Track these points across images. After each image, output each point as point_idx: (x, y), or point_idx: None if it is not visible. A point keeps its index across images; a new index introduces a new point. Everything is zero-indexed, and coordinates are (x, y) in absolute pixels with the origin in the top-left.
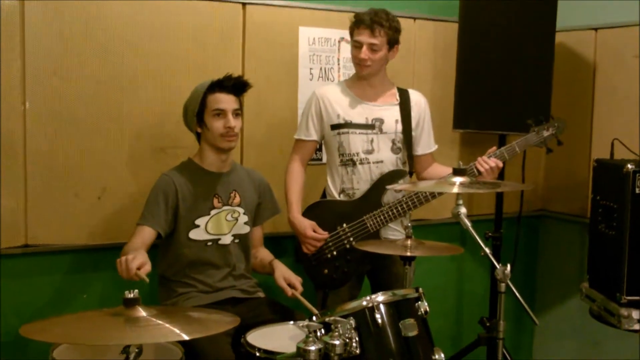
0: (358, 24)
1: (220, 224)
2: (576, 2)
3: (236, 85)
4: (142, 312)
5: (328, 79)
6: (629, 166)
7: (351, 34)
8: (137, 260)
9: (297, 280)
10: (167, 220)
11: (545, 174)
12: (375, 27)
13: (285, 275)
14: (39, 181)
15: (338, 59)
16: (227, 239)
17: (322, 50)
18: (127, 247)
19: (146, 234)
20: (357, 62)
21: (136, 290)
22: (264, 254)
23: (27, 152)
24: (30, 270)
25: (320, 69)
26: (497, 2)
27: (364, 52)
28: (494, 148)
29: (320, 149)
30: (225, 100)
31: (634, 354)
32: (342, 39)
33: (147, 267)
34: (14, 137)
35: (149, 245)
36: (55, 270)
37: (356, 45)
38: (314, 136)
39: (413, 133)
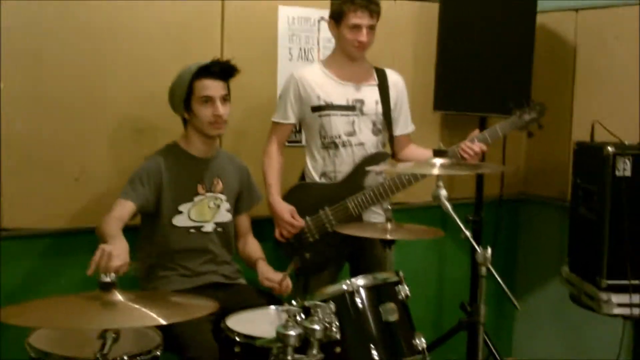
0: (354, 6)
1: (203, 211)
2: None
3: (223, 71)
4: (119, 297)
5: (307, 59)
6: (609, 149)
7: (342, 17)
8: (118, 261)
9: (279, 278)
10: (149, 199)
11: (526, 157)
12: (372, 7)
13: (267, 276)
14: (15, 163)
15: (318, 39)
16: (209, 227)
17: (301, 30)
18: (105, 225)
19: (126, 208)
20: (357, 45)
21: (113, 274)
22: (252, 249)
23: (2, 134)
24: (6, 254)
25: (300, 48)
26: None
27: (365, 35)
28: (477, 131)
29: (299, 131)
30: (212, 87)
31: (614, 338)
32: (322, 18)
33: (124, 270)
34: None
35: (127, 220)
36: (32, 255)
37: (354, 29)
38: (292, 119)
39: (392, 114)
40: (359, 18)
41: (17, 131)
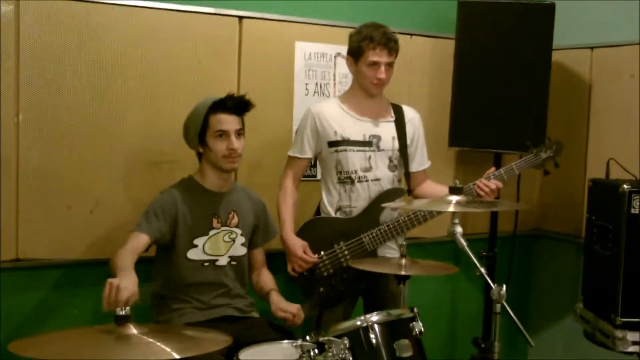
0: (372, 43)
1: (217, 245)
2: (573, 21)
3: (238, 105)
4: (133, 330)
5: (324, 95)
6: (625, 186)
7: (361, 54)
8: (126, 293)
9: (293, 309)
10: (163, 232)
11: (541, 193)
12: (391, 45)
13: (280, 306)
14: (31, 194)
15: (334, 75)
16: (223, 260)
17: (318, 66)
18: (118, 258)
19: (139, 241)
20: (375, 82)
21: (128, 308)
22: (265, 281)
23: (20, 165)
24: (21, 284)
25: (316, 84)
26: (494, 20)
27: (383, 72)
28: (493, 169)
29: (314, 165)
30: (227, 121)
31: None
32: (338, 54)
33: (133, 301)
34: (7, 150)
35: (140, 253)
36: (46, 285)
37: (372, 65)
38: (309, 154)
39: (408, 150)
40: (378, 56)
41: (33, 163)
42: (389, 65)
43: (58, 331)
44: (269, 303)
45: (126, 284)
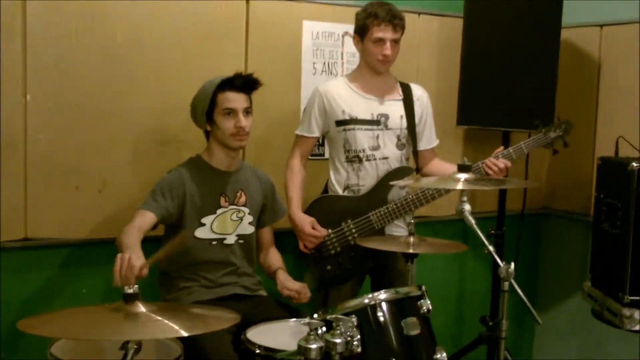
0: (377, 20)
1: (225, 224)
2: None
3: (246, 83)
4: (141, 308)
5: (331, 74)
6: (634, 164)
7: (366, 31)
8: (136, 270)
9: (298, 286)
10: (170, 211)
11: (549, 172)
12: (396, 21)
13: (286, 285)
14: (40, 174)
15: (342, 53)
16: (231, 239)
17: (325, 45)
18: (124, 235)
19: (146, 218)
20: (381, 59)
21: (136, 286)
22: (272, 260)
23: (28, 145)
24: (30, 264)
25: (324, 63)
26: None
27: (389, 48)
28: (501, 148)
29: (322, 144)
30: (235, 99)
31: (635, 354)
32: (346, 33)
33: (145, 272)
34: (15, 130)
35: (146, 230)
36: (55, 265)
37: (378, 42)
38: (316, 133)
39: (416, 128)
40: (383, 32)
41: (42, 143)
42: (395, 41)
43: (67, 309)
44: (276, 282)
45: (136, 258)
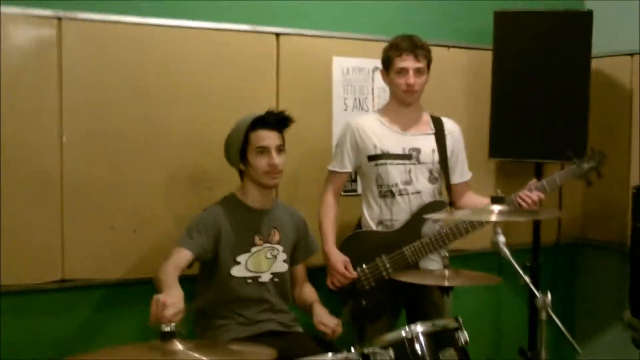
0: (398, 50)
1: (260, 262)
2: (612, 28)
3: (278, 121)
4: (179, 346)
5: (362, 109)
6: None
7: (390, 63)
8: (173, 309)
9: (333, 323)
10: (206, 249)
11: (584, 201)
12: (418, 51)
13: (322, 320)
14: (75, 215)
15: (372, 89)
16: (266, 277)
17: (356, 80)
18: (162, 274)
19: (182, 256)
20: (405, 89)
21: (173, 324)
22: (307, 294)
23: (64, 185)
24: (67, 305)
25: (355, 99)
26: (532, 29)
27: (412, 77)
28: (534, 180)
29: (354, 180)
30: (268, 137)
31: None
32: (376, 68)
33: (179, 318)
34: (51, 170)
35: (183, 268)
36: (91, 305)
37: (401, 72)
38: (349, 168)
39: (448, 162)
40: (404, 61)
41: (77, 183)
42: (418, 71)
43: (105, 349)
44: (311, 316)
45: (173, 300)
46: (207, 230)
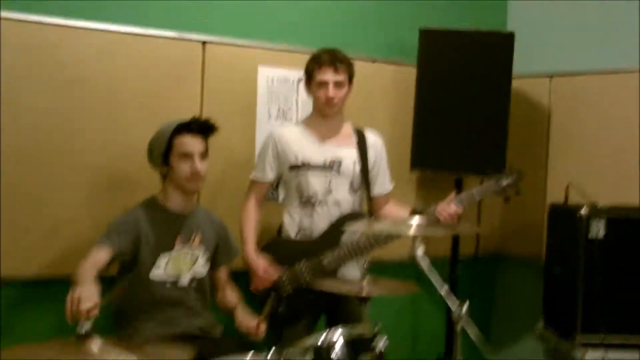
0: (319, 63)
1: (179, 265)
2: (532, 50)
3: (203, 128)
4: (95, 345)
5: (286, 119)
6: (582, 211)
7: (311, 75)
8: (88, 303)
9: (256, 324)
10: (125, 249)
11: (502, 217)
12: (338, 64)
13: (245, 322)
14: None
15: (296, 100)
16: (185, 280)
17: (280, 91)
18: (78, 271)
19: (101, 254)
20: (324, 101)
21: (89, 324)
22: (229, 297)
23: None
24: None
25: (279, 109)
26: (455, 47)
27: (332, 91)
28: (453, 194)
29: (276, 188)
30: (191, 143)
31: None
32: (301, 79)
33: (95, 313)
34: None
35: (101, 267)
36: (7, 302)
37: (321, 85)
38: (270, 177)
39: (369, 174)
40: (324, 74)
41: None
42: (338, 84)
43: (20, 346)
44: (234, 318)
45: (87, 294)
46: (127, 231)
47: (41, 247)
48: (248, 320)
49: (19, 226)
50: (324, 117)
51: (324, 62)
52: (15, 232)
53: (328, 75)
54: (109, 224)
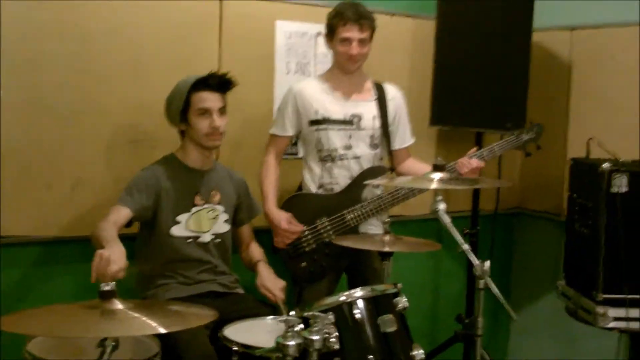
0: (343, 19)
1: (200, 222)
2: (553, 2)
3: (221, 83)
4: (118, 305)
5: (304, 74)
6: (605, 166)
7: (334, 31)
8: (116, 266)
9: (277, 289)
10: (146, 207)
11: (522, 172)
12: (363, 21)
13: (265, 284)
14: (13, 172)
15: (314, 54)
16: (206, 237)
17: (299, 45)
18: (101, 230)
19: (121, 213)
20: (347, 58)
21: (113, 283)
22: (253, 253)
23: (1, 142)
24: (4, 262)
25: (297, 63)
26: (475, 0)
27: (355, 48)
28: (475, 149)
29: (295, 144)
30: (210, 99)
31: (609, 352)
32: (319, 33)
33: (122, 275)
34: None
35: (121, 225)
36: (28, 262)
37: (345, 42)
38: (290, 132)
39: (390, 128)
40: (349, 31)
41: (15, 139)
42: (362, 41)
43: (43, 307)
44: (256, 275)
45: (116, 256)
46: (147, 188)
47: (62, 206)
48: (270, 283)
49: (39, 185)
50: (345, 73)
51: (348, 18)
52: (36, 192)
53: (353, 33)
54: (128, 183)
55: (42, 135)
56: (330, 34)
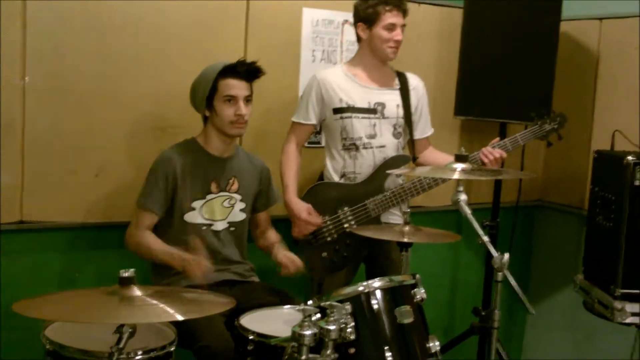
0: (388, 6)
1: (213, 210)
2: None
3: (249, 72)
4: (137, 292)
5: (330, 61)
6: (629, 158)
7: (375, 17)
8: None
9: (297, 259)
10: (166, 200)
11: (545, 164)
12: (404, 7)
13: (286, 254)
14: (36, 157)
15: (341, 42)
16: (220, 226)
17: (325, 33)
18: (151, 243)
19: (151, 220)
20: (393, 45)
21: (132, 269)
22: (270, 238)
23: (26, 128)
24: (25, 247)
25: (323, 51)
26: None
27: (400, 34)
28: (497, 139)
29: (319, 132)
30: (237, 87)
31: (626, 347)
32: (346, 21)
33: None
34: (13, 113)
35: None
36: (50, 248)
37: (390, 28)
38: (313, 120)
39: (412, 117)
40: (395, 17)
41: (40, 126)
42: (403, 27)
43: (62, 292)
44: (274, 256)
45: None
46: (164, 178)
47: (85, 192)
48: (285, 254)
49: (63, 172)
50: (374, 61)
51: (394, 4)
52: (59, 178)
53: (398, 19)
54: (147, 177)
55: (66, 122)
56: (371, 21)
